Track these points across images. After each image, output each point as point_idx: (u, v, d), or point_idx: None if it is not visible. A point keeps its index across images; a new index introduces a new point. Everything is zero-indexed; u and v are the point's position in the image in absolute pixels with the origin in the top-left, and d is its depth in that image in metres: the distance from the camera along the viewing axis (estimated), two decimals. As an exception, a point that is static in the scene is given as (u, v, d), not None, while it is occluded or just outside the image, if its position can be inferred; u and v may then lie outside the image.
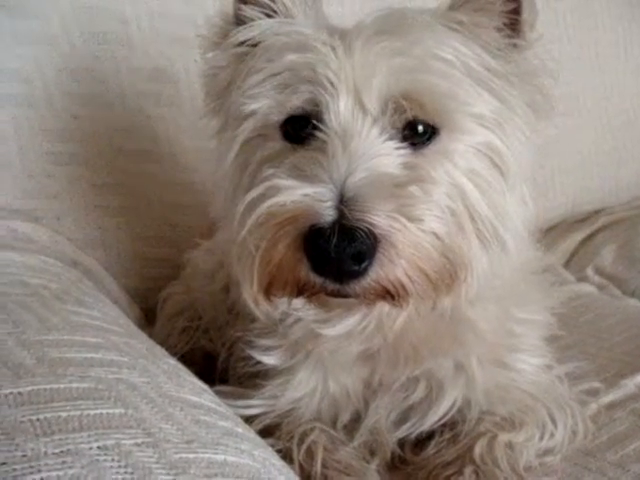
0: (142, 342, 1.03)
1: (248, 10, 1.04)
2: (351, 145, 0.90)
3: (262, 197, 0.90)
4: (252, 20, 1.04)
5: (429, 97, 0.93)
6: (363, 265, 0.85)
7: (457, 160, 0.94)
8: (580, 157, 2.36)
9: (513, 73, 0.99)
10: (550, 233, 2.18)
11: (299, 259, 0.86)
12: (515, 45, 0.99)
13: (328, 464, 1.05)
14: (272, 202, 0.88)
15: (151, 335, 1.24)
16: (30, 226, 1.49)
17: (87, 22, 1.66)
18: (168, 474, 0.64)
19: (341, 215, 0.84)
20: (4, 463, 0.60)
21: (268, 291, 0.94)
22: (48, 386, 0.73)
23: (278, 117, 0.97)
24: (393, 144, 0.92)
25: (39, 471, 0.60)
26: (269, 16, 1.03)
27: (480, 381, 1.09)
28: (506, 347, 1.13)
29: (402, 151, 0.92)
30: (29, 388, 0.72)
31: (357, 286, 0.87)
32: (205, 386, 0.97)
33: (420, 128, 0.94)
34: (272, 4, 1.03)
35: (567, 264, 2.13)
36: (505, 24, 0.99)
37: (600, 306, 1.69)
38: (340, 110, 0.92)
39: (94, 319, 1.02)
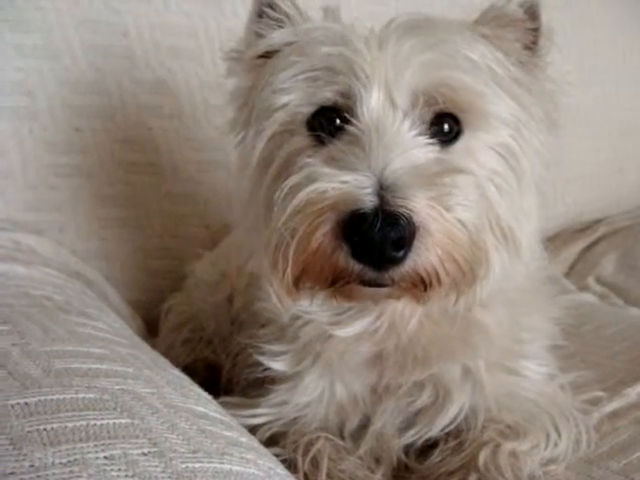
0: (146, 353, 1.03)
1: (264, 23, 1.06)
2: (385, 138, 0.91)
3: (301, 184, 0.90)
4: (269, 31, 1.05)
5: (458, 92, 0.95)
6: (402, 252, 0.84)
7: (480, 159, 0.96)
8: (580, 167, 2.37)
9: (532, 84, 1.02)
10: (551, 243, 2.16)
11: (338, 246, 0.86)
12: (534, 63, 1.03)
13: (333, 474, 1.04)
14: (312, 188, 0.87)
15: (154, 347, 1.24)
16: (33, 238, 1.49)
17: (89, 35, 1.67)
18: (175, 483, 0.64)
19: (382, 201, 0.84)
20: (12, 473, 0.60)
21: (297, 282, 0.93)
22: (54, 397, 0.74)
23: (307, 109, 0.98)
24: (424, 139, 0.93)
25: (46, 481, 0.60)
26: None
27: (488, 387, 1.09)
28: (514, 353, 1.13)
29: (432, 147, 0.94)
30: (36, 399, 0.73)
31: (395, 274, 0.87)
32: (209, 397, 0.97)
33: (446, 127, 0.96)
34: (293, 11, 1.05)
35: (568, 273, 2.13)
36: (527, 44, 1.03)
37: (601, 315, 1.68)
38: (372, 104, 0.93)
39: (98, 330, 1.02)
